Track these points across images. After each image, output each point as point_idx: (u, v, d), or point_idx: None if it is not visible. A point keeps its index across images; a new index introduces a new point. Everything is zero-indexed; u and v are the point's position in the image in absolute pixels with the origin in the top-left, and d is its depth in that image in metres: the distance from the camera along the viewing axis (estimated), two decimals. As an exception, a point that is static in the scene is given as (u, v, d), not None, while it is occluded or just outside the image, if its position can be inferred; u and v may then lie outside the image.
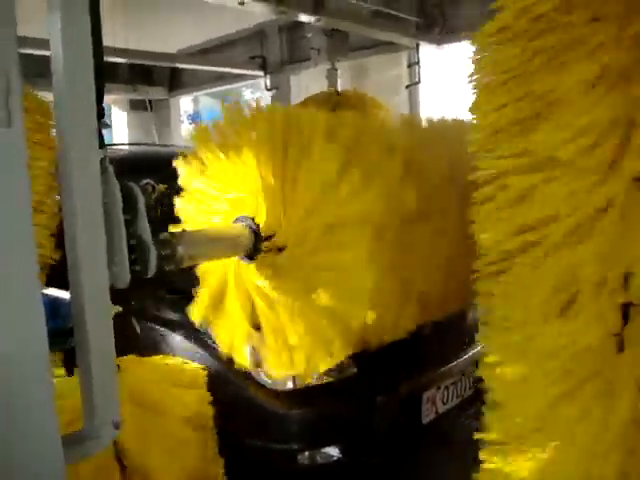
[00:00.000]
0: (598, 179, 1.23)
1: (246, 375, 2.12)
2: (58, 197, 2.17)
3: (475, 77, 1.50)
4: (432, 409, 2.33)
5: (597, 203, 1.23)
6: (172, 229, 1.82)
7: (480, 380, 1.52)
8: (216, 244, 1.87)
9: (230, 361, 2.04)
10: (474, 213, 1.51)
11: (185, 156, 2.07)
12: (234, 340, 2.00)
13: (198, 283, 2.03)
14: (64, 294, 1.47)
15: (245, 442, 2.16)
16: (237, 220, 1.94)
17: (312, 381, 2.09)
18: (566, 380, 1.29)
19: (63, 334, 1.30)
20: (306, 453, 2.12)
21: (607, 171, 1.22)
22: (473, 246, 1.52)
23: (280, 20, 6.26)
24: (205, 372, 2.21)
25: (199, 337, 2.25)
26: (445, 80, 5.67)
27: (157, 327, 2.43)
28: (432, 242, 2.07)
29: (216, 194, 2.04)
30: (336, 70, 5.62)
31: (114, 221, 1.25)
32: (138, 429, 1.88)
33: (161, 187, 2.71)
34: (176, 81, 8.82)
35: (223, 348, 2.03)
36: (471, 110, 1.54)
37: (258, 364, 2.04)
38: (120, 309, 2.30)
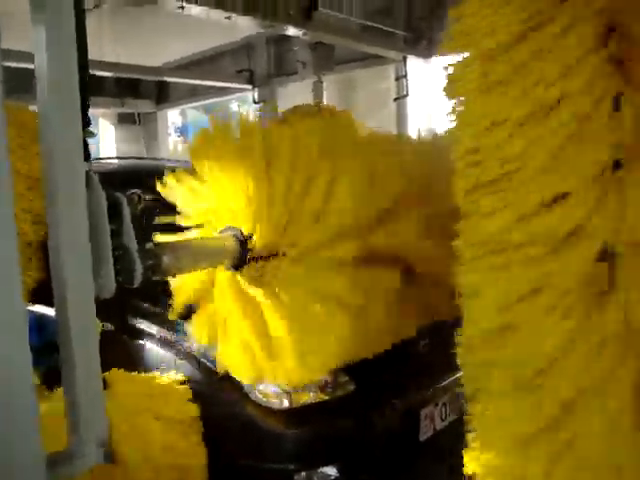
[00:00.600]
0: None
1: (241, 394, 2.07)
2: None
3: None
4: (430, 426, 2.28)
5: None
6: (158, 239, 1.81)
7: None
8: (202, 254, 1.86)
9: (224, 379, 2.01)
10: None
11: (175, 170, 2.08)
12: (230, 354, 1.97)
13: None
14: (50, 311, 1.45)
15: (239, 462, 2.09)
16: (224, 230, 1.93)
17: (309, 399, 2.05)
18: None
19: (48, 351, 1.28)
20: (303, 473, 2.04)
21: None
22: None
23: (267, 33, 6.28)
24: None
25: (191, 354, 2.21)
26: (433, 93, 5.70)
27: (149, 344, 2.39)
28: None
29: (206, 206, 2.04)
30: (322, 83, 5.63)
31: (100, 231, 1.23)
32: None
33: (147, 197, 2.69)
34: (164, 94, 8.82)
35: (218, 364, 2.00)
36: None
37: (258, 379, 2.00)
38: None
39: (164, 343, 2.32)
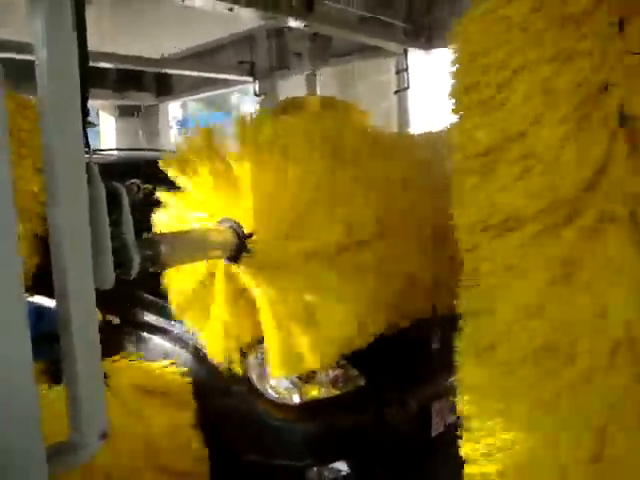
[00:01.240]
0: None
1: (249, 388, 2.04)
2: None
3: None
4: (441, 421, 2.24)
5: None
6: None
7: None
8: (199, 245, 1.85)
9: (231, 374, 2.00)
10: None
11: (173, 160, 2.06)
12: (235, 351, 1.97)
13: None
14: (50, 302, 1.45)
15: (247, 458, 2.07)
16: (221, 222, 1.93)
17: (319, 394, 2.02)
18: None
19: (49, 341, 1.28)
20: (314, 469, 2.03)
21: None
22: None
23: (268, 25, 6.26)
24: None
25: (199, 350, 2.17)
26: (434, 85, 5.68)
27: (159, 339, 2.37)
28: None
29: (204, 197, 2.03)
30: (315, 76, 5.62)
31: (99, 221, 1.22)
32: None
33: (147, 187, 2.67)
34: (164, 87, 8.79)
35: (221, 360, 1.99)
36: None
37: (264, 375, 2.00)
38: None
39: (172, 337, 2.30)
